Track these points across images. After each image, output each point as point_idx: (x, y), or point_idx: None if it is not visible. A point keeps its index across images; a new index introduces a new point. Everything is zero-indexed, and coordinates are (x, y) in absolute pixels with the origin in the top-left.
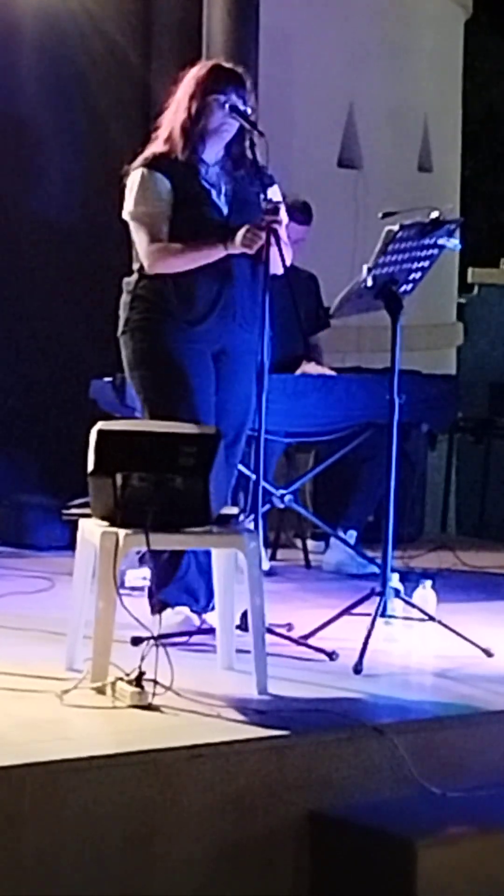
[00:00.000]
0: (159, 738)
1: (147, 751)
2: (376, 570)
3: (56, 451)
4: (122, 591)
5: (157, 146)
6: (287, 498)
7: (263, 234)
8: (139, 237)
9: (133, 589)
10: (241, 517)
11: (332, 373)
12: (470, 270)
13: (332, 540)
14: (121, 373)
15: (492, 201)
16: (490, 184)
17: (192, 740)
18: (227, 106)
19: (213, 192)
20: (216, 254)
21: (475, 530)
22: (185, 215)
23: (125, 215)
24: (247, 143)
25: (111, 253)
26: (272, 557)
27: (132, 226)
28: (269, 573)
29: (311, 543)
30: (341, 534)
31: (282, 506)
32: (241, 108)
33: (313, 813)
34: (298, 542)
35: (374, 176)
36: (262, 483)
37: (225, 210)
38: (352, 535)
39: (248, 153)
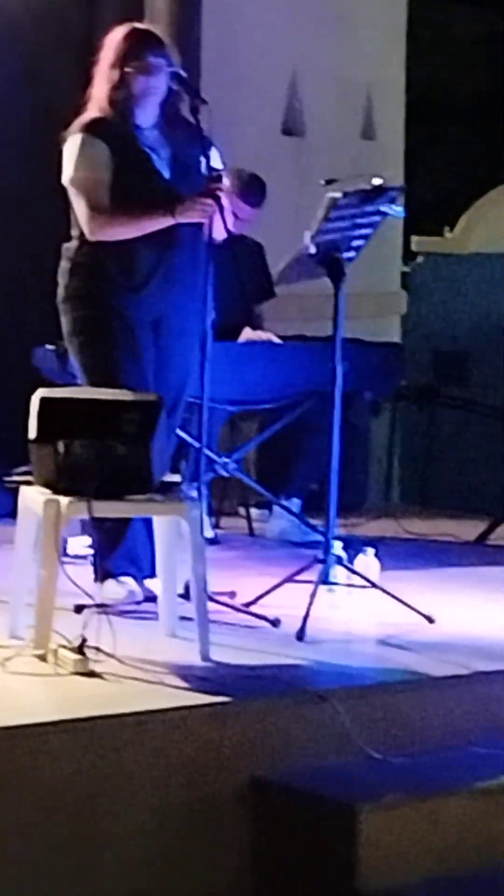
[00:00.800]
0: (102, 705)
1: (90, 718)
2: (319, 538)
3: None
4: (64, 559)
5: (92, 112)
6: (231, 466)
7: (208, 203)
8: (79, 204)
9: (76, 557)
10: (184, 485)
11: (276, 338)
12: (414, 239)
13: (276, 508)
14: (63, 340)
15: (436, 169)
16: (434, 152)
17: (135, 707)
18: (167, 72)
19: (154, 157)
20: (163, 223)
21: (419, 498)
22: (126, 181)
23: (65, 181)
24: (184, 106)
25: (51, 218)
26: (215, 526)
27: (72, 192)
28: (213, 541)
29: (254, 512)
30: (285, 502)
31: (225, 474)
32: (174, 71)
33: (256, 778)
34: (242, 511)
35: (317, 143)
36: (206, 451)
37: (167, 174)
38: (295, 504)
39: (190, 117)
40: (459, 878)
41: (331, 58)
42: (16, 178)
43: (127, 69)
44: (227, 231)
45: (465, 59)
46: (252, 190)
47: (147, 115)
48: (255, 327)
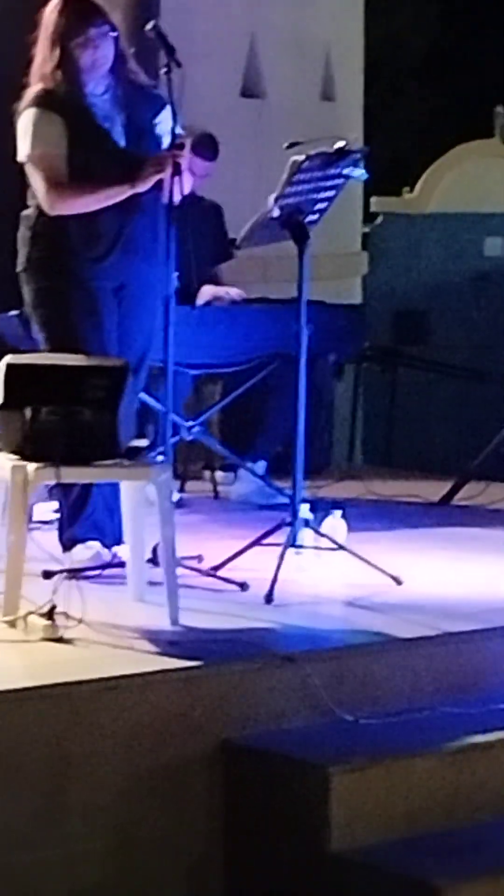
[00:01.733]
0: (72, 670)
1: (59, 684)
2: (285, 500)
3: None
4: (31, 524)
5: (42, 85)
6: (195, 430)
7: (167, 166)
8: (37, 180)
9: (43, 522)
10: (151, 449)
11: (237, 293)
12: (373, 199)
13: (241, 471)
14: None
15: (394, 130)
16: (392, 112)
17: (104, 672)
18: (112, 38)
19: (108, 125)
20: (123, 194)
21: (382, 459)
22: (82, 153)
23: (21, 158)
24: (136, 67)
25: (9, 185)
26: (181, 489)
27: (29, 168)
28: (178, 505)
29: (219, 475)
30: (249, 465)
31: (190, 438)
32: (154, 27)
33: (227, 742)
34: (207, 474)
35: (277, 105)
36: (171, 415)
37: (122, 142)
38: (260, 466)
39: (143, 77)
40: (430, 837)
41: (289, 19)
42: None
43: (69, 45)
44: (182, 194)
45: (422, 19)
46: (204, 144)
47: (97, 84)
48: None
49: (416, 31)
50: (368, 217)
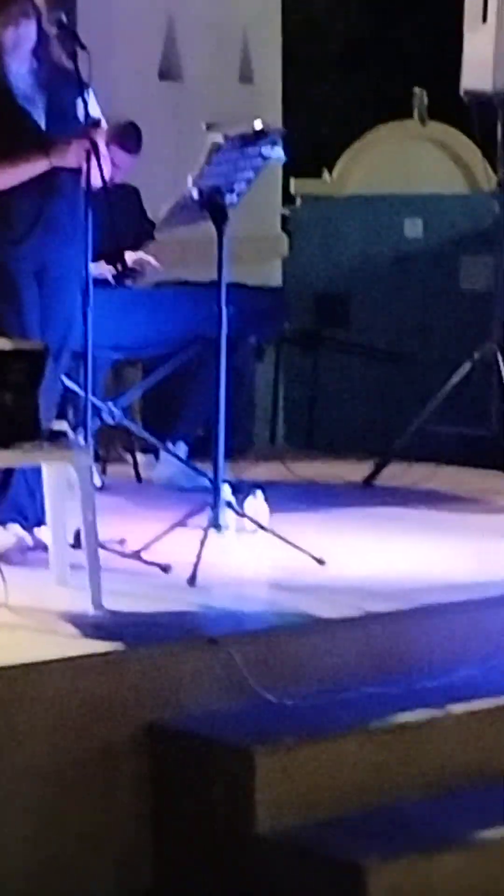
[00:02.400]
0: None
1: None
2: (207, 483)
3: None
4: None
5: None
6: (116, 413)
7: (84, 142)
8: None
9: None
10: (72, 433)
11: (151, 260)
12: (293, 181)
13: (163, 454)
14: None
15: (314, 111)
16: (312, 94)
17: (26, 657)
18: (34, 18)
19: (28, 107)
20: (40, 167)
21: (304, 441)
22: (0, 134)
23: None
24: (58, 50)
25: None
26: (102, 472)
27: None
28: (101, 488)
29: (140, 457)
30: (171, 447)
31: (111, 421)
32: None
33: (152, 725)
34: (128, 457)
35: (195, 88)
36: (91, 398)
37: (43, 123)
38: (181, 449)
39: (66, 62)
40: (356, 818)
41: (207, 1)
42: None
43: None
44: (103, 179)
45: (341, 1)
46: (128, 136)
47: (20, 64)
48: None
49: (336, 13)
50: (288, 199)
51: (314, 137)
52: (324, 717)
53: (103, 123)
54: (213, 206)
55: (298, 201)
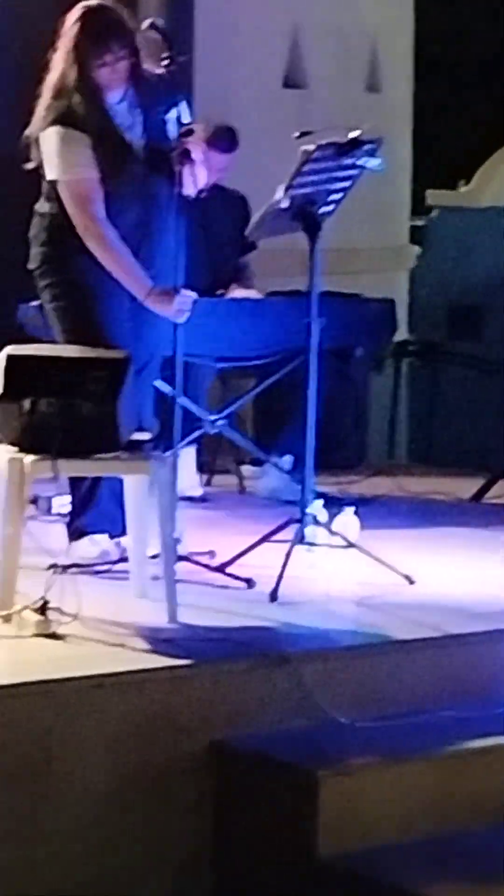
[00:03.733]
0: (59, 667)
1: (45, 681)
2: (313, 495)
3: None
4: (49, 517)
5: (63, 101)
6: (220, 423)
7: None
8: (69, 202)
9: (62, 515)
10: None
11: (259, 296)
12: (428, 192)
13: (267, 466)
14: None
15: (450, 122)
16: (449, 104)
17: (93, 670)
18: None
19: (129, 136)
20: (136, 288)
21: (425, 456)
22: (108, 171)
23: (53, 177)
24: (150, 62)
25: (33, 175)
26: (207, 483)
27: (64, 190)
28: (202, 499)
29: (249, 469)
30: (276, 459)
31: (213, 431)
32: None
33: (216, 743)
34: (234, 468)
35: (320, 96)
36: (195, 408)
37: (142, 146)
38: (287, 461)
39: (158, 69)
40: (420, 845)
41: (334, 8)
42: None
43: (88, 64)
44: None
45: (482, 8)
46: (219, 136)
47: (115, 94)
48: (241, 283)
49: (474, 22)
50: (423, 210)
51: (451, 148)
52: (394, 740)
53: (198, 132)
54: (305, 216)
55: (434, 212)
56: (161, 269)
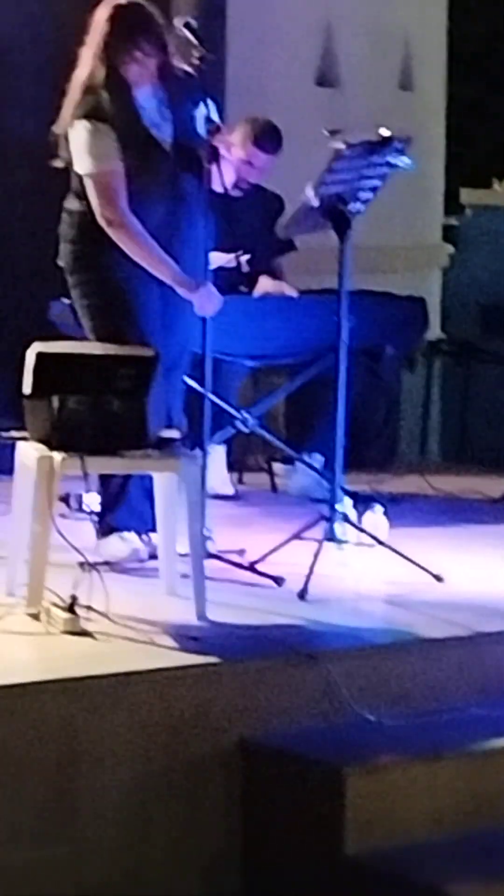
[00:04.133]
0: (88, 664)
1: (73, 678)
2: (342, 493)
3: (15, 376)
4: (80, 514)
5: (91, 95)
6: (250, 422)
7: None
8: (94, 196)
9: (93, 513)
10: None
11: (291, 289)
12: (462, 191)
13: (298, 464)
14: None
15: (485, 121)
16: (488, 103)
17: (121, 667)
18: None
19: (157, 132)
20: (166, 275)
21: (457, 455)
22: (135, 166)
23: (80, 171)
24: (179, 60)
25: (67, 173)
26: (239, 481)
27: (90, 183)
28: (234, 497)
29: (281, 467)
30: (307, 457)
31: (245, 429)
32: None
33: (244, 740)
34: (267, 466)
35: (352, 94)
36: (225, 406)
37: (170, 142)
38: (318, 459)
39: (186, 66)
40: (448, 842)
41: (367, 6)
42: (29, 128)
43: (118, 61)
44: (240, 182)
45: None
46: (267, 137)
47: (144, 91)
48: (275, 277)
49: None
50: (457, 209)
51: (485, 147)
52: (422, 738)
53: (238, 131)
54: (335, 214)
55: (468, 211)
56: (190, 266)
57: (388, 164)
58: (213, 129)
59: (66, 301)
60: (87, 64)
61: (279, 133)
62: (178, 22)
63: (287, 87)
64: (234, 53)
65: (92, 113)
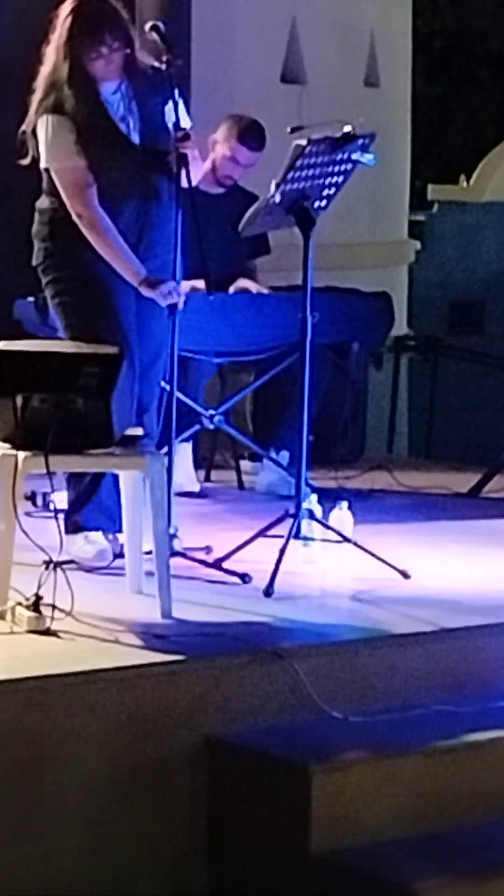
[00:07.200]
0: (53, 664)
1: (36, 677)
2: (308, 490)
3: None
4: (46, 512)
5: (55, 91)
6: (217, 419)
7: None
8: (66, 190)
9: (58, 511)
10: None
11: (266, 291)
12: (429, 187)
13: (265, 461)
14: (42, 293)
15: (451, 117)
16: (455, 100)
17: (86, 666)
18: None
19: (124, 126)
20: (128, 273)
21: (424, 451)
22: (99, 160)
23: (46, 165)
24: (146, 56)
25: (28, 170)
26: (206, 479)
27: (56, 179)
28: (200, 494)
29: (248, 464)
30: (273, 454)
31: (211, 426)
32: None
33: (210, 738)
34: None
35: (318, 91)
36: (192, 403)
37: (138, 139)
38: (284, 456)
39: (154, 63)
40: (414, 840)
41: (332, 3)
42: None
43: (81, 57)
44: (224, 179)
45: (482, 3)
46: (251, 134)
47: (109, 85)
48: (248, 278)
49: (480, 17)
50: (424, 205)
51: (452, 143)
52: (388, 735)
53: (222, 129)
54: (299, 211)
55: (435, 207)
56: (163, 262)
57: (351, 161)
58: (182, 137)
59: (30, 299)
60: (50, 60)
61: (263, 130)
62: (147, 25)
63: (253, 84)
64: (200, 49)
65: (55, 108)
